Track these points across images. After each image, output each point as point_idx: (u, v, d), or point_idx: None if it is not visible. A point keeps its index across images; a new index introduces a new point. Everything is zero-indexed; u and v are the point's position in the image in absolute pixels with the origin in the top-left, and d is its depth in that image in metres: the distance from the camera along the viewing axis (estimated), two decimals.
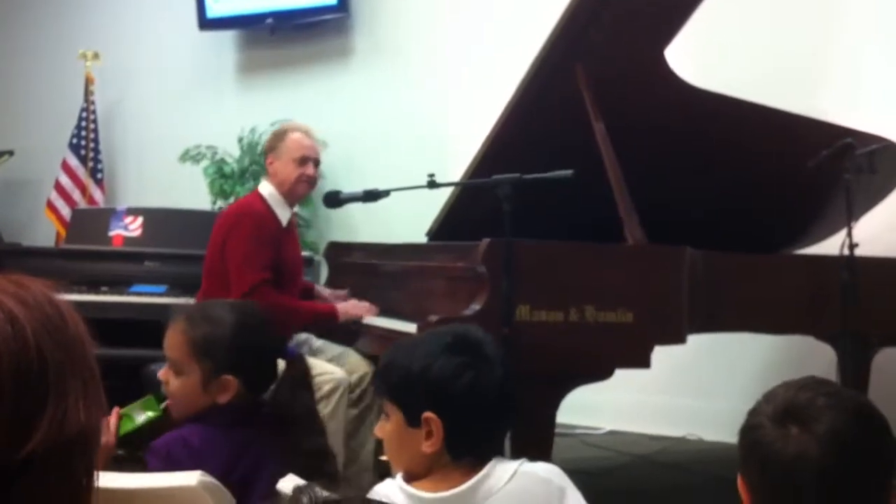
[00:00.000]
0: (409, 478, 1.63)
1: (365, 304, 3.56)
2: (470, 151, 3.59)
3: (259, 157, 5.71)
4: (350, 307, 3.57)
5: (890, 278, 3.56)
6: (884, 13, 4.46)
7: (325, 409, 3.29)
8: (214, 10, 6.26)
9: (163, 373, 2.04)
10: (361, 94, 5.94)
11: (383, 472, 1.72)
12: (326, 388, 3.31)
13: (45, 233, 6.42)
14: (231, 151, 5.96)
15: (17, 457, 0.78)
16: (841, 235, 3.16)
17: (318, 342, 3.67)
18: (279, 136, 3.66)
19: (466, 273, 2.90)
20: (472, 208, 3.56)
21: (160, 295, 4.45)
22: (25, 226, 6.75)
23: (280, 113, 5.79)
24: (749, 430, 1.29)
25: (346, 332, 3.61)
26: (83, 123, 6.46)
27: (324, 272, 4.33)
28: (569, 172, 2.66)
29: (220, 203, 5.79)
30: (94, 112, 6.49)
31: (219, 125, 6.07)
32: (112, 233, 4.85)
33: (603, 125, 3.17)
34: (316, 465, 1.88)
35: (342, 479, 3.34)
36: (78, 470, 0.84)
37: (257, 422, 1.98)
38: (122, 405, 2.03)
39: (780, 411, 1.26)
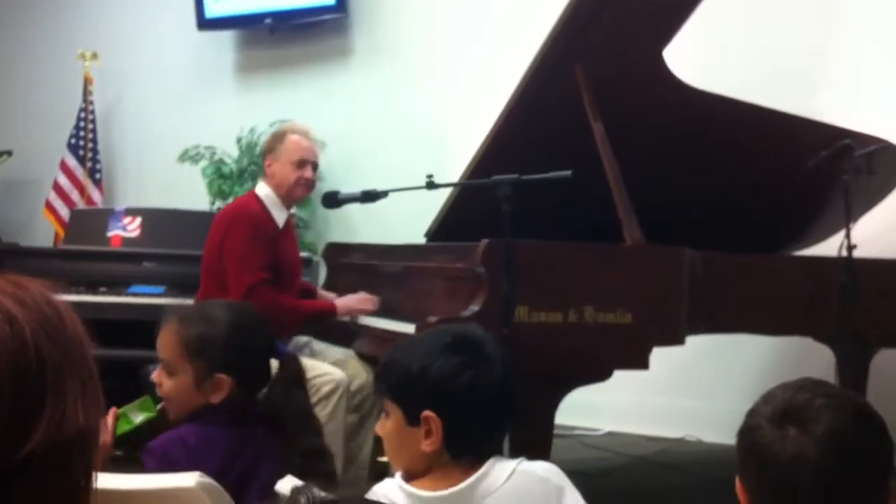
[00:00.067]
0: (409, 477, 1.64)
1: (364, 296, 3.55)
2: (469, 151, 3.59)
3: (258, 157, 5.71)
4: (350, 301, 3.56)
5: (889, 279, 3.56)
6: (884, 13, 4.46)
7: (324, 410, 3.29)
8: (213, 10, 6.26)
9: (156, 375, 2.04)
10: (360, 95, 5.95)
11: (382, 473, 1.72)
12: (326, 389, 3.31)
13: (43, 233, 6.41)
14: (230, 152, 5.96)
15: (16, 457, 0.78)
16: (839, 236, 3.17)
17: (319, 345, 3.67)
18: (278, 138, 3.65)
19: (465, 274, 2.90)
20: (470, 209, 3.56)
21: (159, 295, 4.45)
22: (24, 226, 6.76)
23: (279, 113, 5.80)
24: (747, 431, 1.29)
25: (345, 333, 3.61)
26: (82, 124, 6.46)
27: (322, 273, 4.33)
28: (567, 173, 2.66)
29: (218, 203, 5.78)
30: (92, 112, 6.49)
31: (217, 125, 6.07)
32: (110, 233, 4.85)
33: (602, 125, 3.17)
34: (311, 465, 1.87)
35: (341, 480, 3.36)
36: (77, 470, 0.83)
37: (253, 421, 1.98)
38: (119, 405, 2.03)
39: (778, 412, 1.26)
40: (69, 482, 0.83)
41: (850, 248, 3.10)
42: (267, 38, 6.22)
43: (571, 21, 3.15)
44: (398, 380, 1.66)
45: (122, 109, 6.80)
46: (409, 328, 2.90)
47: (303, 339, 3.67)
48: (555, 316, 2.79)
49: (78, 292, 4.37)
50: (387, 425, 1.67)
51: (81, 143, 6.45)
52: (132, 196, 6.50)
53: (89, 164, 6.45)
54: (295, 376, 2.05)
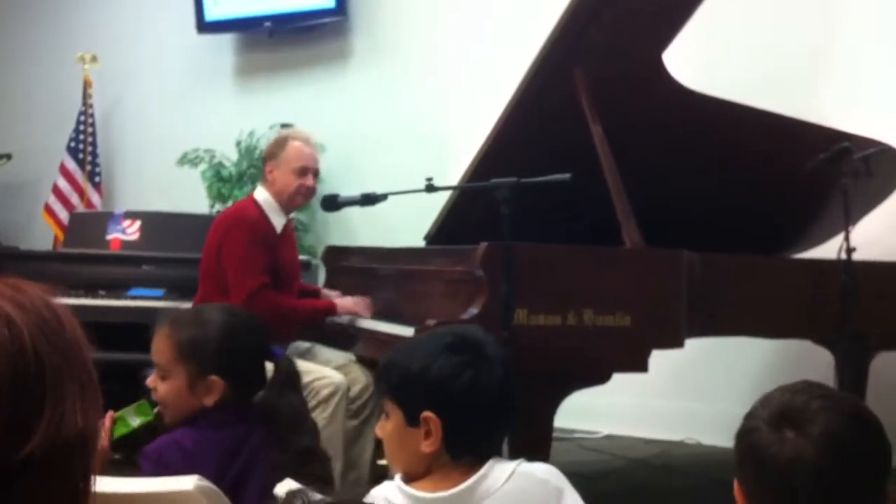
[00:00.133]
0: (408, 479, 1.64)
1: (362, 301, 3.56)
2: (470, 151, 3.59)
3: (257, 160, 5.71)
4: (349, 302, 3.56)
5: (888, 282, 3.56)
6: (884, 13, 4.47)
7: (323, 414, 3.29)
8: (213, 13, 6.26)
9: (151, 380, 2.04)
10: (360, 97, 5.95)
11: (382, 477, 1.72)
12: (325, 392, 3.31)
13: (42, 236, 6.41)
14: (229, 155, 5.96)
15: (15, 459, 0.78)
16: (839, 239, 3.17)
17: (320, 350, 3.67)
18: (280, 144, 3.63)
19: (465, 277, 2.91)
20: (470, 211, 3.56)
21: (158, 299, 4.45)
22: (23, 229, 6.75)
23: (278, 116, 5.81)
24: (745, 433, 1.30)
25: (345, 336, 3.61)
26: (81, 127, 6.46)
27: (322, 276, 4.33)
28: (567, 176, 2.66)
29: (218, 207, 5.78)
30: (92, 115, 6.49)
31: (217, 128, 6.06)
32: (110, 236, 4.85)
33: (601, 128, 3.17)
34: (306, 467, 1.87)
35: (341, 484, 3.36)
36: (76, 473, 0.84)
37: (249, 423, 1.98)
38: (118, 409, 2.03)
39: (775, 415, 1.27)
40: (68, 485, 0.83)
41: (850, 250, 3.10)
42: (266, 42, 6.23)
43: (571, 22, 3.16)
44: (398, 380, 1.66)
45: (122, 112, 6.80)
46: (408, 331, 2.90)
47: (304, 344, 3.66)
48: (554, 319, 2.79)
49: (77, 295, 4.37)
50: (387, 426, 1.67)
51: (81, 146, 6.45)
52: (131, 199, 6.50)
53: (88, 168, 6.45)
54: (290, 378, 2.04)
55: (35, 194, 6.70)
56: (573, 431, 4.83)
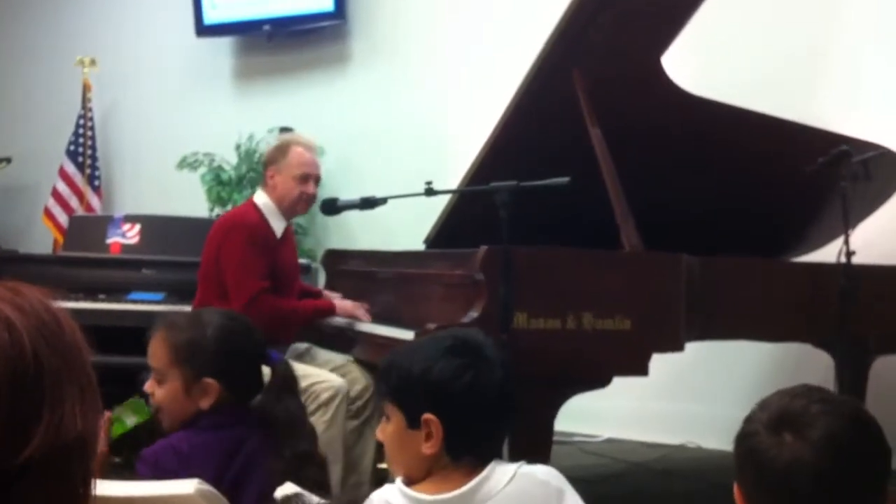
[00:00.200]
0: (409, 481, 1.64)
1: (362, 306, 3.56)
2: (469, 153, 3.59)
3: (256, 164, 5.72)
4: (348, 305, 3.57)
5: (887, 285, 3.56)
6: (884, 13, 4.47)
7: (323, 417, 3.29)
8: (211, 16, 6.26)
9: (148, 385, 2.04)
10: (359, 100, 5.95)
11: (383, 480, 1.72)
12: (325, 395, 3.31)
13: (42, 240, 6.41)
14: (228, 158, 5.96)
15: (14, 462, 0.78)
16: (838, 242, 3.17)
17: (319, 352, 3.67)
18: (282, 150, 3.63)
19: (464, 280, 2.91)
20: (469, 215, 3.56)
21: (158, 302, 4.45)
22: (22, 232, 6.75)
23: (278, 120, 5.81)
24: (744, 437, 1.30)
25: (344, 339, 3.61)
26: (80, 130, 6.46)
27: (321, 279, 4.33)
28: (566, 179, 2.66)
29: (217, 210, 5.78)
30: (91, 119, 6.50)
31: (216, 132, 6.07)
32: (109, 240, 4.85)
33: (599, 131, 3.17)
34: (302, 471, 1.87)
35: (342, 488, 3.36)
36: (75, 476, 0.84)
37: (246, 427, 1.97)
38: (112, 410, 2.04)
39: (774, 418, 1.27)
40: (68, 488, 0.83)
41: (849, 253, 3.10)
42: (265, 45, 6.23)
43: (570, 24, 3.16)
44: (399, 382, 1.66)
45: (121, 116, 6.81)
46: (408, 335, 2.90)
47: (302, 345, 3.67)
48: (553, 322, 2.79)
49: (77, 299, 4.37)
50: (387, 429, 1.67)
51: (80, 149, 6.45)
52: (131, 203, 6.50)
53: (88, 171, 6.45)
54: (287, 382, 2.04)
55: (34, 198, 6.70)
56: (573, 435, 4.83)
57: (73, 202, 6.39)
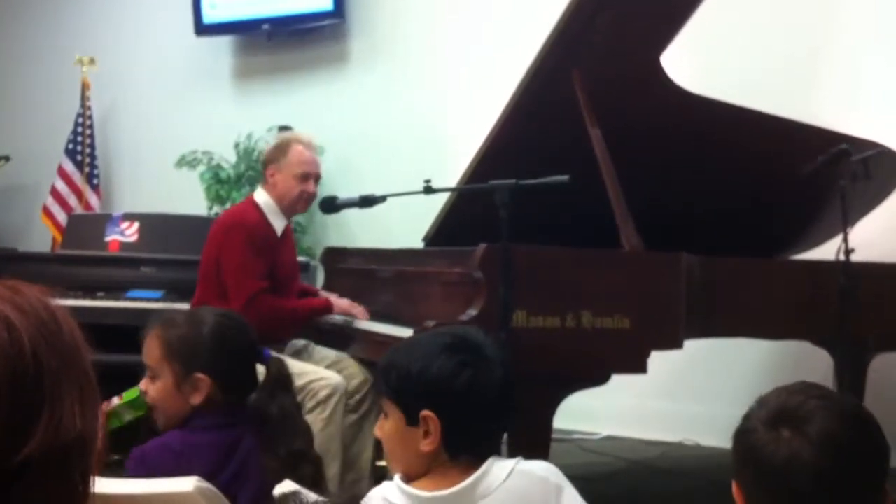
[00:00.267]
0: (408, 479, 1.64)
1: (358, 307, 3.57)
2: (469, 152, 3.59)
3: (255, 162, 5.72)
4: (345, 304, 3.57)
5: (887, 283, 3.56)
6: (883, 13, 4.47)
7: (321, 414, 3.29)
8: (211, 15, 6.26)
9: (143, 383, 2.04)
10: (358, 99, 5.95)
11: (382, 478, 1.72)
12: (323, 393, 3.31)
13: (41, 238, 6.41)
14: (227, 157, 5.96)
15: (14, 461, 0.78)
16: (838, 240, 3.17)
17: (316, 348, 3.68)
18: (282, 149, 3.62)
19: (463, 278, 2.91)
20: (468, 213, 3.56)
21: (157, 300, 4.45)
22: (21, 231, 6.76)
23: (277, 118, 5.81)
24: (742, 434, 1.30)
25: (342, 337, 3.62)
26: (79, 129, 6.47)
27: (320, 278, 4.33)
28: (565, 178, 2.66)
29: (216, 208, 5.79)
30: (90, 117, 6.50)
31: (215, 131, 6.07)
32: (108, 238, 4.85)
33: (599, 131, 3.17)
34: (298, 469, 1.86)
35: (340, 485, 3.36)
36: (74, 475, 0.84)
37: (240, 425, 1.97)
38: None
39: (772, 415, 1.27)
40: (67, 486, 0.83)
41: (848, 252, 3.10)
42: (265, 44, 6.23)
43: (569, 24, 3.16)
44: (397, 380, 1.66)
45: (120, 114, 6.81)
46: (407, 333, 2.90)
47: (300, 342, 3.67)
48: (553, 321, 2.79)
49: (75, 297, 4.37)
50: (386, 426, 1.68)
51: (79, 148, 6.45)
52: (130, 201, 6.50)
53: (87, 170, 6.45)
54: (280, 380, 2.03)
55: (33, 196, 6.71)
56: (572, 433, 4.83)
57: (72, 201, 6.39)
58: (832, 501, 1.24)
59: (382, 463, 3.20)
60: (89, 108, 6.49)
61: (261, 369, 2.09)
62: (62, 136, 6.49)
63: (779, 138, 3.57)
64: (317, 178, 3.65)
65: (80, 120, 6.47)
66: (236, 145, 5.95)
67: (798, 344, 3.95)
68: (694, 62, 3.98)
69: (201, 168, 5.93)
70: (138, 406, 2.06)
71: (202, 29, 6.30)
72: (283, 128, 5.55)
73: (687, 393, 4.86)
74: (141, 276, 4.60)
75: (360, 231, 5.60)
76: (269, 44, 6.20)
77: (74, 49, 6.51)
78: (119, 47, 6.68)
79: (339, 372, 3.49)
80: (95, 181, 6.50)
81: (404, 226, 4.18)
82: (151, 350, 2.03)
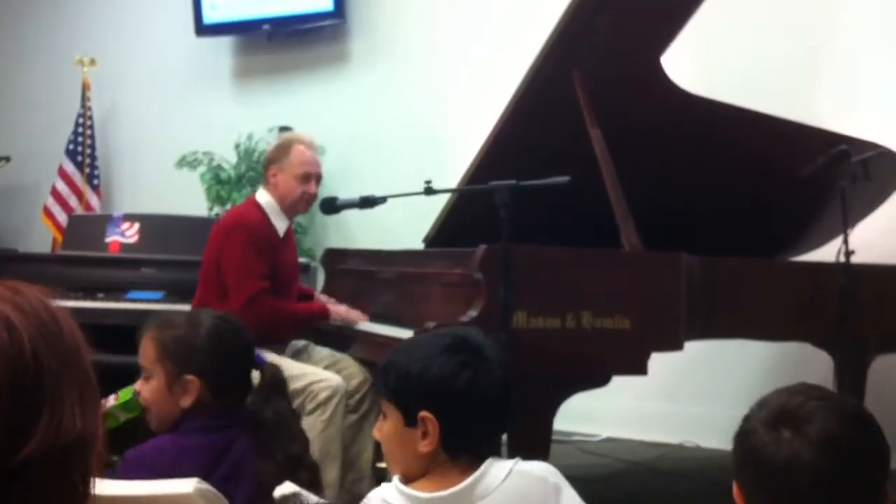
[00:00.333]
0: (407, 479, 1.64)
1: (355, 312, 3.57)
2: (469, 152, 3.59)
3: (256, 163, 5.72)
4: (342, 310, 3.58)
5: (887, 285, 3.56)
6: (883, 13, 4.47)
7: (322, 416, 3.30)
8: (211, 16, 6.26)
9: (138, 384, 2.04)
10: (358, 99, 5.95)
11: (382, 479, 1.72)
12: (323, 395, 3.31)
13: (41, 239, 6.41)
14: (228, 157, 5.96)
15: (14, 461, 0.78)
16: (838, 242, 3.17)
17: (316, 348, 3.68)
18: (284, 149, 3.63)
19: (464, 279, 2.91)
20: (469, 214, 3.56)
21: (157, 301, 4.45)
22: (22, 231, 6.75)
23: (277, 119, 5.81)
24: (742, 435, 1.30)
25: (342, 338, 3.62)
26: (80, 129, 6.47)
27: (321, 279, 4.33)
28: (565, 179, 2.66)
29: (216, 209, 5.79)
30: (90, 118, 6.50)
31: (215, 131, 6.07)
32: (109, 239, 4.85)
33: (599, 131, 3.17)
34: (294, 475, 1.84)
35: (339, 485, 3.36)
36: (74, 475, 0.84)
37: (233, 429, 1.95)
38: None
39: (772, 416, 1.27)
40: (67, 486, 0.83)
41: (849, 253, 3.10)
42: (265, 44, 6.23)
43: (569, 24, 3.16)
44: (397, 380, 1.66)
45: (120, 115, 6.81)
46: (407, 334, 2.90)
47: (300, 342, 3.68)
48: (553, 321, 2.79)
49: (76, 298, 4.37)
50: (384, 427, 1.68)
51: (79, 148, 6.45)
52: (130, 202, 6.50)
53: (87, 170, 6.45)
54: (275, 385, 2.02)
55: (34, 197, 6.70)
56: (572, 434, 4.83)
57: (73, 201, 6.39)
58: (832, 502, 1.24)
59: (383, 465, 3.20)
60: (90, 109, 6.49)
61: (259, 373, 2.08)
62: (62, 137, 6.49)
63: (779, 139, 3.57)
64: (318, 178, 3.66)
65: (81, 120, 6.47)
66: (237, 146, 5.95)
67: (798, 345, 3.95)
68: (694, 62, 3.98)
69: (202, 169, 5.93)
70: (132, 407, 2.06)
71: (202, 29, 6.30)
72: (284, 128, 5.55)
73: (687, 394, 4.86)
74: (141, 277, 4.60)
75: (361, 232, 5.60)
76: (270, 44, 6.20)
77: (75, 49, 6.51)
78: (119, 48, 6.68)
79: (338, 372, 3.49)
80: (96, 182, 6.50)
81: (405, 227, 4.18)
82: (146, 351, 2.03)
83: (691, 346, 3.10)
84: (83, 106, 6.46)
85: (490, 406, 1.66)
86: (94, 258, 4.71)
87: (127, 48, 6.70)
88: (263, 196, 3.61)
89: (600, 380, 2.91)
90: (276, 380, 2.03)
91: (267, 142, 5.62)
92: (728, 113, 3.50)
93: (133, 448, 1.91)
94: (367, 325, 3.51)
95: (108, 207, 6.51)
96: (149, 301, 4.46)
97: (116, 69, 6.60)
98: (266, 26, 6.09)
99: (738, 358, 4.58)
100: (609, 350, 2.87)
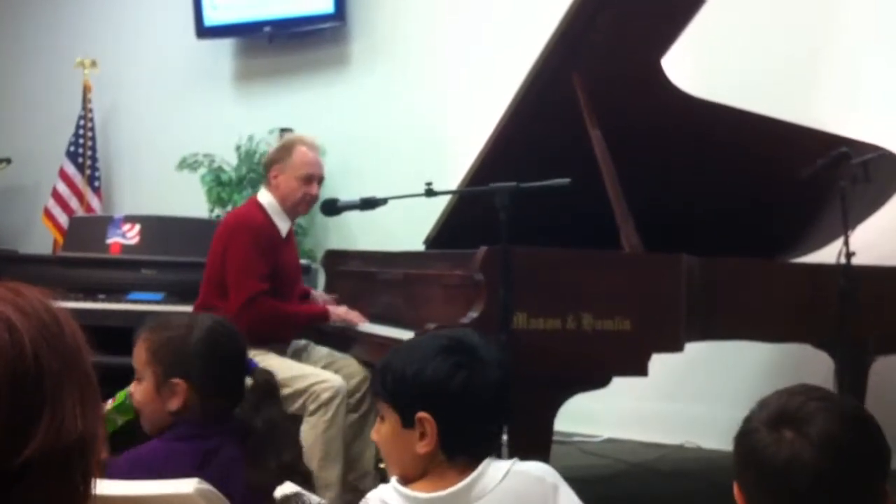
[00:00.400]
0: (405, 480, 1.64)
1: (354, 313, 3.57)
2: (469, 154, 3.59)
3: (256, 165, 5.72)
4: (341, 311, 3.58)
5: (887, 286, 3.56)
6: (883, 14, 4.47)
7: (323, 417, 3.30)
8: (212, 18, 6.27)
9: (132, 387, 2.04)
10: (359, 101, 5.96)
11: (384, 480, 1.72)
12: (325, 395, 3.32)
13: (42, 240, 6.42)
14: (228, 159, 5.97)
15: (15, 462, 0.78)
16: (838, 243, 3.17)
17: (316, 348, 3.69)
18: (286, 150, 3.63)
19: (464, 280, 2.91)
20: (469, 215, 3.56)
21: (158, 302, 4.46)
22: (23, 233, 6.76)
23: (278, 121, 5.82)
24: (743, 436, 1.30)
25: (343, 339, 3.62)
26: (81, 131, 6.47)
27: (321, 280, 4.34)
28: (566, 181, 2.66)
29: (217, 211, 5.79)
30: (91, 120, 6.50)
31: (216, 133, 6.07)
32: (109, 240, 4.85)
33: (599, 132, 3.18)
34: (283, 482, 1.82)
35: (341, 485, 3.36)
36: (75, 476, 0.84)
37: (221, 436, 1.93)
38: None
39: (773, 416, 1.27)
40: (68, 488, 0.83)
41: (849, 254, 3.10)
42: (266, 46, 6.23)
43: (570, 25, 3.16)
44: (393, 382, 1.67)
45: (121, 117, 6.81)
46: (408, 335, 2.90)
47: (301, 342, 3.69)
48: (553, 322, 2.79)
49: (77, 299, 4.37)
50: (382, 429, 1.68)
51: (80, 150, 6.46)
52: (130, 203, 6.51)
53: (88, 172, 6.46)
54: (266, 391, 2.00)
55: (35, 198, 6.71)
56: (573, 435, 4.83)
57: (73, 203, 6.40)
58: (832, 503, 1.24)
59: (384, 465, 3.20)
60: (90, 111, 6.49)
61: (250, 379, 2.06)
62: (63, 139, 6.50)
63: (779, 141, 3.57)
64: (320, 179, 3.66)
65: (82, 122, 6.48)
66: (237, 148, 5.95)
67: (798, 346, 3.95)
68: (694, 63, 3.98)
69: (202, 170, 5.93)
70: (126, 410, 2.05)
71: (203, 31, 6.30)
72: (285, 130, 5.55)
73: (687, 395, 4.86)
74: (142, 279, 4.60)
75: (361, 233, 5.61)
76: (270, 46, 6.21)
77: (75, 51, 6.51)
78: (120, 49, 6.69)
79: (338, 371, 3.50)
80: (97, 183, 6.51)
81: (405, 228, 4.18)
82: (138, 353, 2.02)
83: (691, 347, 3.10)
84: (84, 108, 6.47)
85: (487, 406, 1.66)
86: (94, 259, 4.71)
87: (128, 49, 6.71)
88: (265, 196, 3.61)
89: (601, 381, 2.91)
90: (268, 385, 2.01)
91: (268, 143, 5.63)
92: (728, 114, 3.50)
93: (120, 455, 1.89)
94: (367, 326, 3.51)
95: (109, 209, 6.51)
96: (149, 302, 4.46)
97: (117, 71, 6.61)
98: (267, 28, 6.09)
99: (738, 359, 4.59)
100: (609, 351, 2.87)
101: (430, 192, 2.95)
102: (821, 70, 4.62)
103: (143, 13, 6.75)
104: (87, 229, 5.05)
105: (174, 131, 6.40)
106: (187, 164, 5.92)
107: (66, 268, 4.66)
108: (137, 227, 4.86)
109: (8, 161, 6.46)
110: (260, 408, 1.96)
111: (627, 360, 2.91)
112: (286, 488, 1.67)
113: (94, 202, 6.46)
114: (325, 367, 3.53)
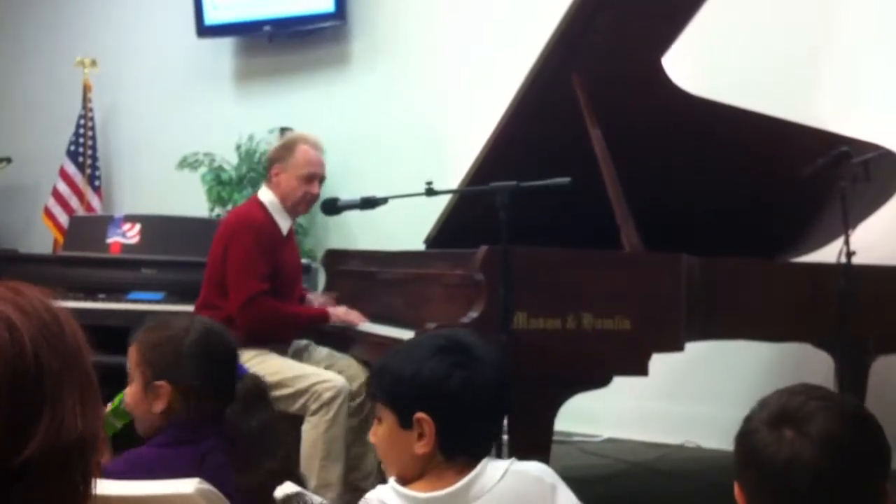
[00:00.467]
0: (404, 481, 1.64)
1: (354, 313, 3.57)
2: (469, 153, 3.59)
3: (256, 164, 5.72)
4: (341, 312, 3.58)
5: (887, 286, 3.56)
6: (883, 14, 4.47)
7: (325, 416, 3.30)
8: (212, 17, 6.27)
9: (127, 389, 2.03)
10: (359, 101, 5.96)
11: (384, 480, 1.72)
12: (327, 395, 3.32)
13: (42, 240, 6.42)
14: (229, 159, 5.97)
15: (15, 462, 0.78)
16: (839, 243, 3.17)
17: (317, 348, 3.69)
18: (288, 148, 3.62)
19: (464, 280, 2.91)
20: (470, 215, 3.56)
21: (158, 302, 4.46)
22: (23, 232, 6.76)
23: (278, 120, 5.82)
24: (744, 435, 1.30)
25: (342, 339, 3.62)
26: (81, 130, 6.47)
27: (321, 279, 4.33)
28: (566, 180, 2.66)
29: (217, 210, 5.79)
30: (91, 119, 6.50)
31: (216, 132, 6.07)
32: (110, 240, 4.85)
33: (599, 132, 3.17)
34: (273, 486, 1.80)
35: (343, 486, 3.36)
36: (75, 476, 0.84)
37: (209, 441, 1.91)
38: None
39: (773, 415, 1.27)
40: (68, 487, 0.83)
41: (849, 254, 3.10)
42: (266, 46, 6.23)
43: (570, 25, 3.16)
44: (391, 383, 1.67)
45: (121, 116, 6.81)
46: (408, 335, 2.90)
47: (302, 341, 3.69)
48: (553, 322, 2.79)
49: (77, 299, 4.37)
50: (380, 431, 1.68)
51: (80, 149, 6.46)
52: (131, 203, 6.51)
53: (88, 171, 6.46)
54: (256, 395, 1.98)
55: (35, 198, 6.71)
56: (573, 435, 4.83)
57: (74, 202, 6.40)
58: (833, 502, 1.24)
59: None
60: (91, 110, 6.50)
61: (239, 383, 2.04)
62: (63, 138, 6.50)
63: (779, 140, 3.57)
64: (321, 179, 3.66)
65: (82, 121, 6.48)
66: (238, 147, 5.95)
67: (799, 346, 3.95)
68: (694, 62, 3.98)
69: (203, 170, 5.93)
70: (122, 414, 2.05)
71: (203, 30, 6.30)
72: (285, 129, 5.55)
73: (688, 395, 4.86)
74: (142, 278, 4.60)
75: (361, 233, 5.61)
76: (271, 45, 6.21)
77: (75, 50, 6.51)
78: (120, 48, 6.69)
79: (339, 372, 3.49)
80: (97, 183, 6.51)
81: (405, 228, 4.18)
82: (131, 355, 2.01)
83: (691, 347, 3.10)
84: (84, 107, 6.47)
85: (485, 406, 1.66)
86: (95, 259, 4.71)
87: (128, 49, 6.71)
88: (266, 195, 3.61)
89: (601, 380, 2.91)
90: (257, 389, 1.99)
91: (268, 143, 5.63)
92: (728, 113, 3.50)
93: (110, 462, 1.88)
94: (367, 326, 3.51)
95: (109, 208, 6.51)
96: (150, 302, 4.46)
97: (117, 70, 6.61)
98: (267, 27, 6.09)
99: (738, 358, 4.58)
100: (609, 351, 2.87)
101: (430, 192, 2.95)
102: (821, 69, 4.62)
103: (143, 12, 6.75)
104: (87, 229, 5.05)
105: (174, 130, 6.40)
106: (187, 163, 5.92)
107: (66, 267, 4.67)
108: (138, 226, 4.86)
109: (8, 160, 6.47)
110: (250, 412, 1.95)
111: (628, 359, 2.90)
112: (287, 488, 1.66)
113: (95, 201, 6.46)
114: (326, 368, 3.53)
